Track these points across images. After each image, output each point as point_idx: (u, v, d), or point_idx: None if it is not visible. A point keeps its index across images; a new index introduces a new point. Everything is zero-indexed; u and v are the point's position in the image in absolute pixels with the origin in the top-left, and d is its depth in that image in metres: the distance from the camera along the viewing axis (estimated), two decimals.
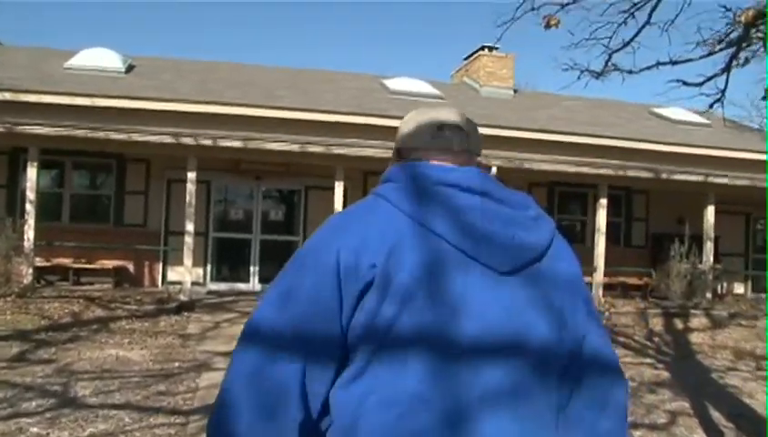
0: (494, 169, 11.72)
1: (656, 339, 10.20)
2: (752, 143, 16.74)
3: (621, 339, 9.99)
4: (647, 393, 6.86)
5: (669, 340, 10.16)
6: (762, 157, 15.72)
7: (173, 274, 12.60)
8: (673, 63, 5.32)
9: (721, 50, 5.31)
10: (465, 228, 1.22)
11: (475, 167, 1.34)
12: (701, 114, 18.96)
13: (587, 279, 12.79)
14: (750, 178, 13.09)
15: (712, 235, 13.09)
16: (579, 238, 15.45)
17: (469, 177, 1.28)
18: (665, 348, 9.60)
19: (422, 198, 1.25)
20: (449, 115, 1.41)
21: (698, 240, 12.95)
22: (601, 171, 12.26)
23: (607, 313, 11.87)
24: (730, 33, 5.24)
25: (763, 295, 15.79)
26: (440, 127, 1.38)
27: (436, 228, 1.21)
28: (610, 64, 5.99)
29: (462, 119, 1.41)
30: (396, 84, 17.44)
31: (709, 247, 13.01)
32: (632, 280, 14.61)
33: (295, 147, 11.35)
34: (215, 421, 1.24)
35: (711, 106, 5.89)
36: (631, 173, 12.35)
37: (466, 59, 20.36)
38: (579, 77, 6.57)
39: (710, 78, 5.57)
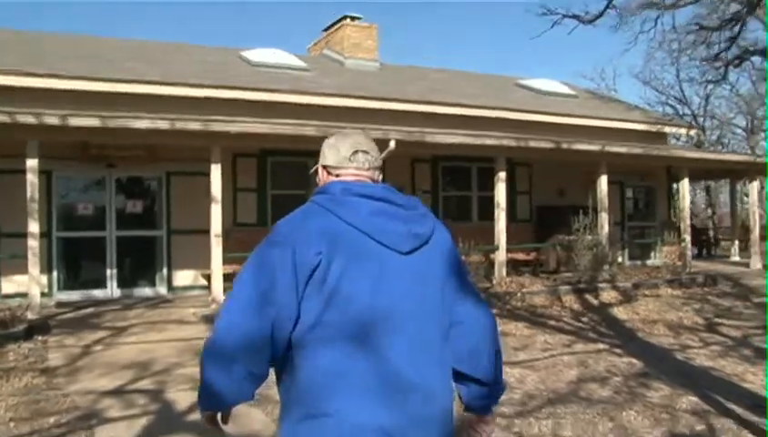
0: (392, 144, 10.47)
1: (584, 318, 9.54)
2: (620, 112, 16.92)
3: (552, 322, 9.20)
4: (642, 389, 5.97)
5: (598, 318, 9.53)
6: (636, 126, 15.88)
7: (9, 285, 10.22)
8: None
9: None
10: (379, 225, 1.81)
11: (381, 184, 1.95)
12: (569, 85, 19.04)
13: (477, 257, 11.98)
14: (643, 147, 12.92)
15: (607, 205, 12.77)
16: (464, 215, 14.74)
17: (378, 190, 1.88)
18: (601, 328, 8.93)
19: (347, 204, 1.82)
20: (361, 142, 1.99)
21: (577, 211, 12.44)
22: (503, 142, 11.44)
23: (519, 294, 11.11)
24: None
25: (638, 262, 16.02)
26: (355, 151, 1.96)
27: (358, 225, 1.79)
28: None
29: (370, 144, 2.00)
30: (258, 55, 15.68)
31: (604, 217, 12.68)
32: (520, 256, 14.06)
33: (163, 125, 9.38)
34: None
35: (716, 55, 5.07)
36: (533, 144, 11.64)
37: (326, 30, 18.93)
38: (552, 26, 5.47)
39: (728, 21, 4.73)
